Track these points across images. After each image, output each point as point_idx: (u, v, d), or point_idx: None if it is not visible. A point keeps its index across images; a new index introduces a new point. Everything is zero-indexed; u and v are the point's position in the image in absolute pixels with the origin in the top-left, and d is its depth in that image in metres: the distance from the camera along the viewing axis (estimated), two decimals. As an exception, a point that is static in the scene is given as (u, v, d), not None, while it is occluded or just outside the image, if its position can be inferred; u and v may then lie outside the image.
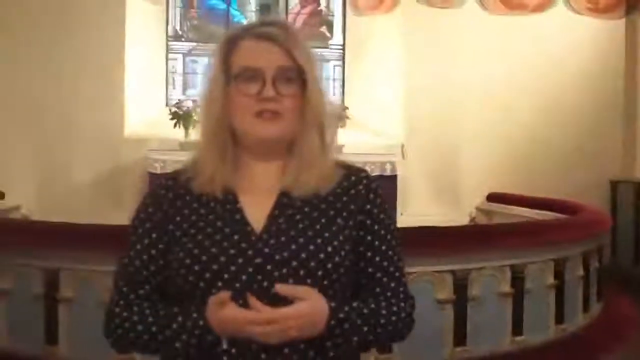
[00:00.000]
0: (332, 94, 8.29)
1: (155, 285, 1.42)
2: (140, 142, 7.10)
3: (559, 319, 4.37)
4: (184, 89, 8.05)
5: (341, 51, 8.33)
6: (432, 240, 3.92)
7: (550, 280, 4.32)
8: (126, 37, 7.21)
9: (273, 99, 1.39)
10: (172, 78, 8.01)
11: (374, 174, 6.71)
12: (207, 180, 1.43)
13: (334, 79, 8.36)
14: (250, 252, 1.37)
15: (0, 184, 6.67)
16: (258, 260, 1.36)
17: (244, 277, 1.35)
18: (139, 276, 1.43)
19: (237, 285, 1.35)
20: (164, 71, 7.93)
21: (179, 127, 7.04)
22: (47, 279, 3.74)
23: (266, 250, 1.37)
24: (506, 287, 4.07)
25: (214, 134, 1.43)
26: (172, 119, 7.06)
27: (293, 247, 1.37)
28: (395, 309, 1.44)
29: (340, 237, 1.41)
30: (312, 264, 1.36)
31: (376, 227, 1.47)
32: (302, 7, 8.33)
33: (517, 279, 4.11)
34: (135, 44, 7.42)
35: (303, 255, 1.36)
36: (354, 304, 1.40)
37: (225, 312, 1.30)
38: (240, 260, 1.36)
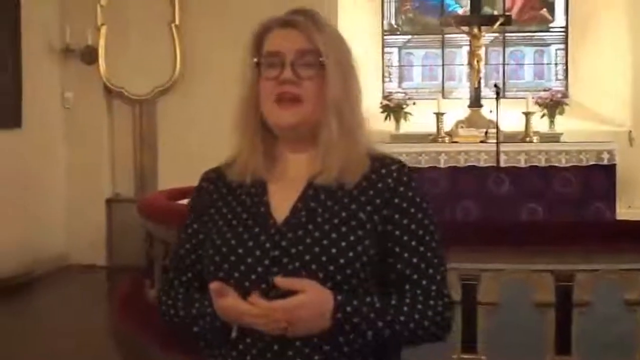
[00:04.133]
0: (553, 79, 7.88)
1: (197, 273, 1.49)
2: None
3: None
4: (400, 81, 8.15)
5: (563, 34, 7.86)
6: (615, 234, 3.59)
7: None
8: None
9: (291, 81, 1.40)
10: (388, 71, 8.14)
11: (588, 164, 6.31)
12: (240, 170, 1.47)
13: (555, 64, 7.93)
14: (267, 245, 1.39)
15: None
16: (275, 253, 1.38)
17: (259, 269, 1.37)
18: (182, 264, 1.51)
19: (253, 277, 1.37)
20: (380, 65, 8.07)
21: (389, 119, 7.14)
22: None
23: (283, 243, 1.38)
24: None
25: (246, 124, 1.47)
26: (382, 111, 7.17)
27: (308, 240, 1.37)
28: (420, 306, 1.38)
29: (360, 232, 1.38)
30: (324, 258, 1.35)
31: (405, 221, 1.41)
32: (521, -10, 8.00)
33: None
34: (350, 40, 7.62)
35: (316, 249, 1.36)
36: (367, 299, 1.36)
37: (222, 302, 1.34)
38: (257, 253, 1.39)
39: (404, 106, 7.15)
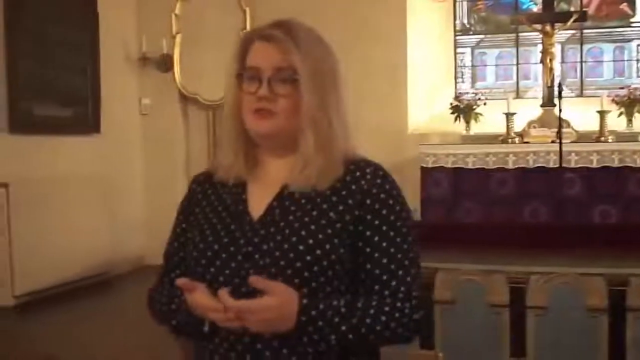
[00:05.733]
0: (634, 76, 7.57)
1: (184, 270, 1.56)
2: (423, 137, 7.24)
3: None
4: (473, 82, 8.02)
5: (645, 28, 7.54)
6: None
7: None
8: (408, 37, 7.41)
9: (267, 98, 1.46)
10: (460, 72, 8.04)
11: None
12: (224, 171, 1.55)
13: (637, 60, 7.60)
14: (242, 241, 1.45)
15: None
16: (248, 249, 1.44)
17: (233, 265, 1.44)
18: (170, 262, 1.60)
19: (227, 272, 1.44)
20: (452, 65, 7.98)
21: (459, 121, 7.04)
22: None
23: (255, 239, 1.44)
24: None
25: (230, 130, 1.55)
26: (452, 112, 7.09)
27: (278, 237, 1.43)
28: (387, 308, 1.40)
29: (329, 231, 1.42)
30: (292, 255, 1.40)
31: (376, 222, 1.44)
32: (599, -15, 7.71)
33: None
34: (420, 42, 7.59)
35: (285, 246, 1.41)
36: (333, 302, 1.39)
37: (190, 297, 1.40)
38: (231, 249, 1.45)
39: (474, 107, 7.03)
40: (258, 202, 1.50)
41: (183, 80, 7.60)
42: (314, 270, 1.39)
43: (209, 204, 1.56)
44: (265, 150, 1.54)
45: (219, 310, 1.35)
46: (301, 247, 1.40)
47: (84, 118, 6.85)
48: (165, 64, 7.51)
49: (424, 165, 6.50)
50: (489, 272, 3.48)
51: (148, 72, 7.61)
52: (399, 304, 1.40)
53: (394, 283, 1.41)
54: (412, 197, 6.73)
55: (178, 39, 7.55)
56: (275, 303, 1.33)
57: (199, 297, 1.39)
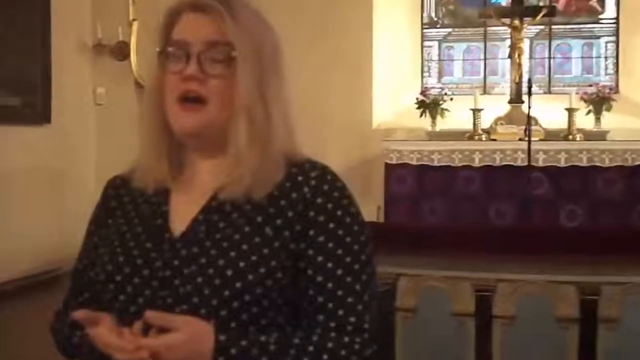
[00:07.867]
0: (603, 73, 7.45)
1: (93, 294, 1.30)
2: (389, 132, 7.03)
3: None
4: (440, 76, 7.83)
5: (614, 25, 7.41)
6: None
7: None
8: (374, 30, 7.19)
9: (195, 78, 1.20)
10: (427, 66, 7.84)
11: (634, 164, 5.86)
12: (143, 176, 1.30)
13: (605, 57, 7.49)
14: (158, 264, 1.20)
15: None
16: (166, 274, 1.18)
17: (147, 292, 1.18)
18: (80, 281, 1.35)
19: (140, 300, 1.18)
20: (419, 60, 7.78)
21: (425, 116, 6.84)
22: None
23: (175, 262, 1.19)
24: None
25: (150, 124, 1.29)
26: (418, 107, 6.89)
27: (203, 260, 1.17)
28: (331, 344, 1.15)
29: (265, 251, 1.16)
30: (218, 281, 1.14)
31: (321, 238, 1.19)
32: (568, -20, 7.57)
33: None
34: (386, 35, 7.37)
35: (210, 270, 1.15)
36: (261, 337, 1.14)
37: (92, 332, 1.15)
38: (146, 272, 1.20)
39: (441, 102, 6.83)
40: (181, 216, 1.24)
41: (140, 70, 7.26)
42: (246, 300, 1.14)
43: (124, 215, 1.30)
44: (193, 151, 1.28)
45: (126, 350, 1.10)
46: (230, 272, 1.15)
47: (34, 107, 6.46)
48: (121, 51, 7.17)
49: (389, 162, 6.28)
50: (454, 278, 3.29)
51: (103, 60, 7.26)
52: (346, 339, 1.16)
53: (341, 313, 1.17)
54: (376, 195, 6.52)
55: (135, 26, 7.20)
56: (183, 340, 1.09)
57: (103, 332, 1.13)
